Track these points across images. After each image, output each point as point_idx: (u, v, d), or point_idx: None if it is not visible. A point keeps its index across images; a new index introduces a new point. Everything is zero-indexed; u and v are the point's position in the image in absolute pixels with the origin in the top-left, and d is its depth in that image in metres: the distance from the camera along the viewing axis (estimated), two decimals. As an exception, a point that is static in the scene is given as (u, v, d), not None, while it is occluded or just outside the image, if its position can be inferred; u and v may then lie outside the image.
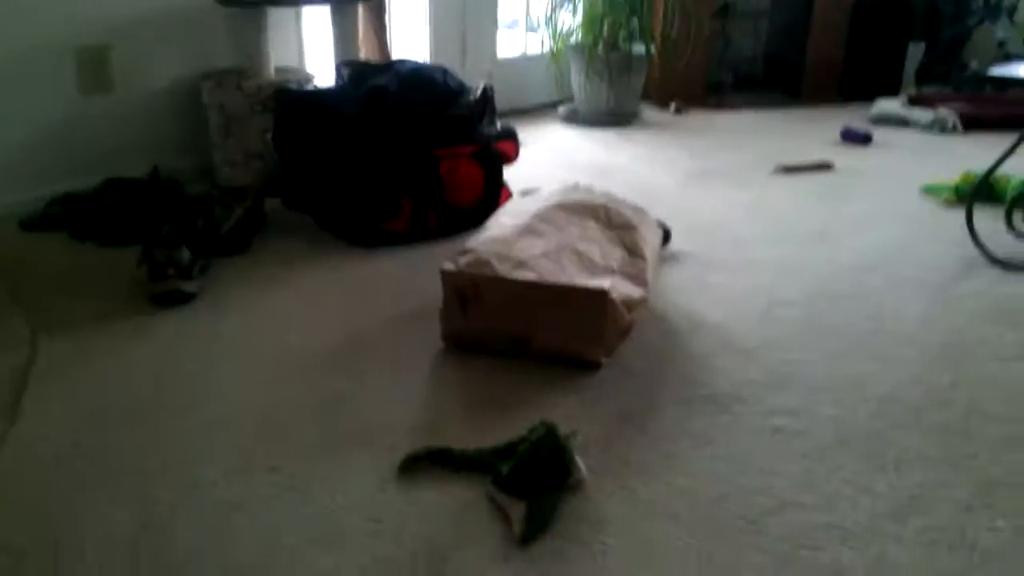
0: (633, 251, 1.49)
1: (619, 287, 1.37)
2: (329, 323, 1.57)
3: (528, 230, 1.45)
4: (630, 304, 1.40)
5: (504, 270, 1.33)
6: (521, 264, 1.35)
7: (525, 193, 1.74)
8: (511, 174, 2.28)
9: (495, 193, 2.12)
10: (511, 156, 2.15)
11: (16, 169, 2.16)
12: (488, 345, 1.41)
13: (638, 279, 1.46)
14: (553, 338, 1.35)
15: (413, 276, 1.80)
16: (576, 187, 1.64)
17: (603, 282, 1.32)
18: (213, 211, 1.96)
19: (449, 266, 1.38)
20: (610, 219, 1.53)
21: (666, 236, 1.85)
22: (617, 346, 1.44)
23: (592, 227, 1.50)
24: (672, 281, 1.78)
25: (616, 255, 1.44)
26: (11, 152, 2.15)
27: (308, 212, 2.12)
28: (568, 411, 1.28)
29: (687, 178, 2.55)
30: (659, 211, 2.24)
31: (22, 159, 2.16)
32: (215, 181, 2.40)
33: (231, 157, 2.36)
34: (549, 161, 2.76)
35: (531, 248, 1.39)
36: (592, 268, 1.38)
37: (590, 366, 1.39)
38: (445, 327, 1.43)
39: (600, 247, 1.45)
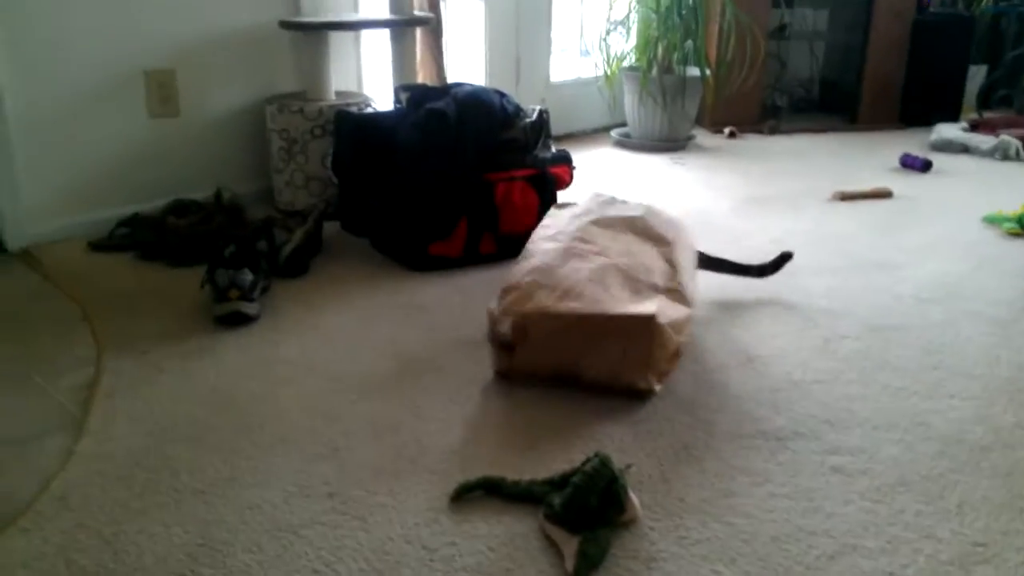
0: (671, 264, 1.46)
1: (666, 310, 1.33)
2: (385, 347, 1.56)
3: (570, 253, 1.42)
4: (677, 326, 1.36)
5: (550, 301, 1.30)
6: (567, 293, 1.32)
7: (559, 207, 1.71)
8: (564, 199, 2.22)
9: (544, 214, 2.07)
10: (565, 181, 2.12)
11: (86, 191, 2.18)
12: (539, 377, 1.40)
13: (681, 297, 1.42)
14: (603, 368, 1.33)
15: (467, 301, 1.78)
16: (612, 200, 1.61)
17: (649, 306, 1.29)
18: (274, 234, 1.97)
19: (494, 307, 1.36)
20: (648, 231, 1.52)
21: (778, 263, 1.79)
22: (669, 371, 1.41)
23: (631, 240, 1.48)
24: (727, 310, 1.75)
25: (658, 268, 1.41)
26: (81, 174, 2.17)
27: (366, 236, 2.12)
28: (622, 443, 1.25)
29: (742, 204, 2.51)
30: (713, 238, 2.20)
31: (92, 181, 2.19)
32: (276, 204, 2.41)
33: (292, 180, 2.37)
34: (603, 186, 2.74)
35: (576, 273, 1.36)
36: (636, 287, 1.35)
37: (642, 395, 1.36)
38: (495, 363, 1.41)
39: (642, 261, 1.42)
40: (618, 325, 1.29)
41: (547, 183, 2.04)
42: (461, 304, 1.76)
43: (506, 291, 1.38)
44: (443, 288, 1.85)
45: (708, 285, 1.87)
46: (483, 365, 1.48)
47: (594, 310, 1.30)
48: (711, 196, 2.58)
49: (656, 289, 1.39)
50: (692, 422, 1.31)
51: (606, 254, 1.45)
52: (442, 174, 1.93)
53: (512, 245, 2.00)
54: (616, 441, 1.26)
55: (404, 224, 1.97)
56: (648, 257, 1.46)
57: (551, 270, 1.37)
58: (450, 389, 1.40)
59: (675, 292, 1.44)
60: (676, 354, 1.41)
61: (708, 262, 1.77)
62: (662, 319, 1.31)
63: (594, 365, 1.34)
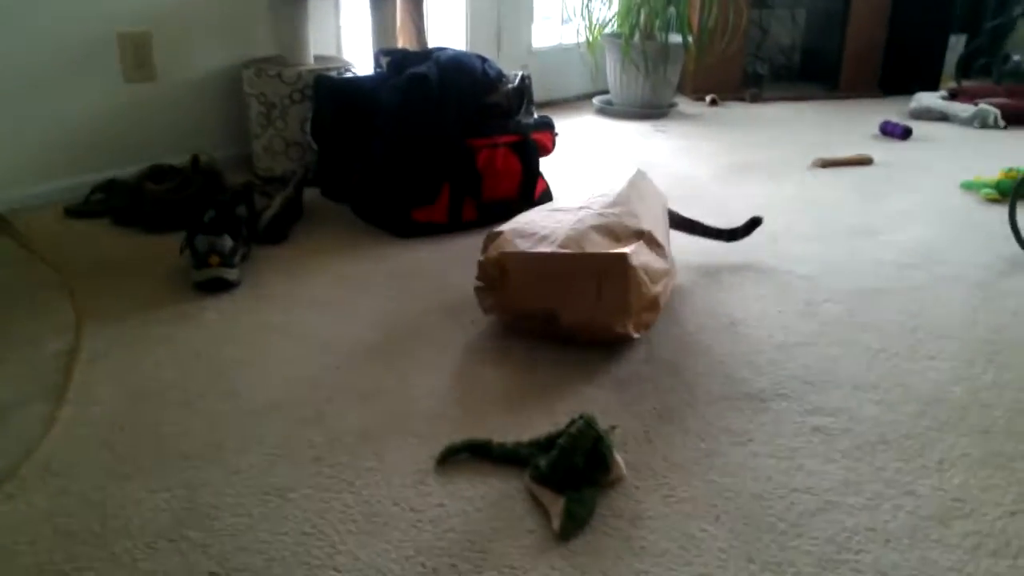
0: (649, 221, 1.48)
1: (641, 255, 1.34)
2: (368, 313, 1.54)
3: (552, 212, 1.46)
4: (653, 274, 1.36)
5: (527, 245, 1.33)
6: (543, 239, 1.34)
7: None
8: (547, 166, 2.25)
9: (531, 184, 2.08)
10: (548, 148, 2.10)
11: (61, 156, 2.15)
12: (523, 323, 1.40)
13: (659, 249, 1.43)
14: (580, 310, 1.32)
15: (450, 266, 1.76)
16: (612, 199, 1.58)
17: (624, 248, 1.31)
18: (254, 200, 1.94)
19: (481, 258, 1.39)
20: (627, 195, 1.52)
21: (749, 227, 1.80)
22: (648, 323, 1.41)
23: (614, 199, 1.48)
24: (709, 275, 1.74)
25: (640, 220, 1.43)
26: (56, 139, 2.14)
27: (347, 202, 2.10)
28: (607, 405, 1.25)
29: (724, 171, 2.50)
30: (696, 205, 2.19)
31: (67, 146, 2.15)
32: (255, 170, 2.37)
33: (271, 146, 2.34)
34: (584, 153, 2.71)
35: (556, 224, 1.38)
36: (616, 235, 1.36)
37: (621, 340, 1.36)
38: (480, 303, 1.43)
39: (624, 215, 1.43)
40: (591, 264, 1.29)
41: (529, 149, 2.02)
42: (445, 270, 1.74)
43: (489, 238, 1.41)
44: (425, 254, 1.83)
45: (690, 250, 1.87)
46: (468, 331, 1.47)
47: (568, 250, 1.31)
48: (693, 163, 2.57)
49: (639, 236, 1.39)
50: (675, 384, 1.32)
51: (589, 207, 1.47)
52: (424, 138, 1.90)
53: (494, 212, 1.99)
54: (600, 403, 1.26)
55: (387, 189, 1.94)
56: (629, 213, 1.47)
57: (532, 223, 1.41)
58: (435, 354, 1.39)
59: (655, 243, 1.43)
60: (654, 304, 1.41)
61: (680, 223, 1.78)
62: (635, 261, 1.31)
63: (572, 307, 1.33)
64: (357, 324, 1.49)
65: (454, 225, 1.96)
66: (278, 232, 1.89)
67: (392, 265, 1.77)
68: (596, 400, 1.26)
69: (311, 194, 2.17)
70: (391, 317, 1.52)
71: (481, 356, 1.38)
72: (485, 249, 1.41)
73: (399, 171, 1.91)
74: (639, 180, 1.64)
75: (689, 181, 2.38)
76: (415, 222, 1.94)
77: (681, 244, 1.78)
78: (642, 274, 1.33)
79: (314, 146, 2.12)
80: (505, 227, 1.42)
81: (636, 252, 1.33)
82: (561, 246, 1.32)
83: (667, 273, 1.46)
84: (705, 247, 1.89)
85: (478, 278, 1.38)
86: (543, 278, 1.32)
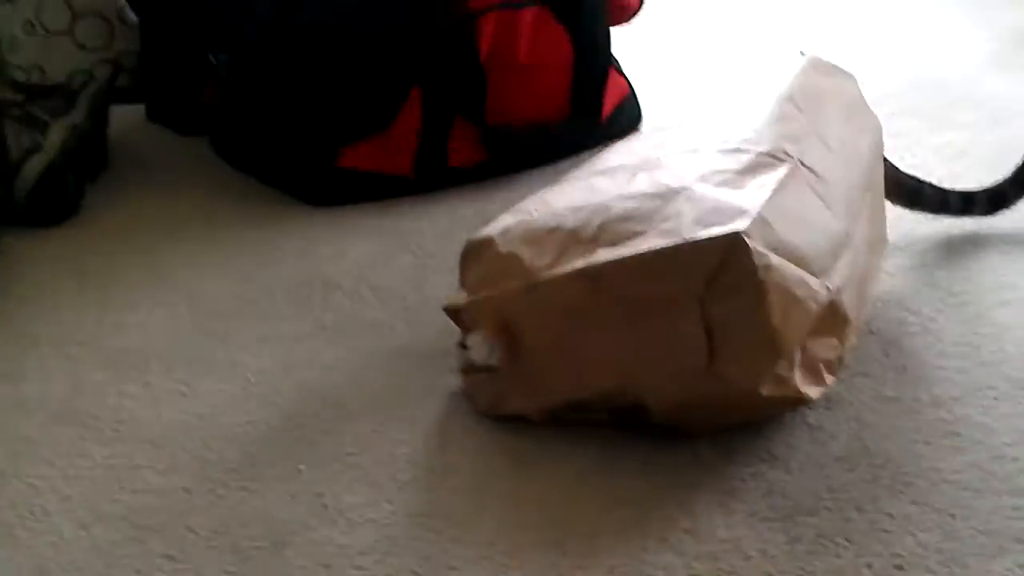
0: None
1: (777, 217, 1.29)
2: (254, 378, 1.45)
3: (598, 172, 1.53)
4: (812, 255, 1.32)
5: (546, 261, 1.34)
6: (578, 237, 1.35)
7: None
8: (630, 48, 2.17)
9: (594, 88, 1.98)
10: (629, 4, 2.06)
11: None
12: (559, 416, 1.38)
13: (834, 201, 1.45)
14: (677, 381, 1.29)
15: (425, 265, 1.68)
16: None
17: (737, 222, 1.28)
18: (4, 137, 1.88)
19: (454, 299, 1.40)
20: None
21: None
22: (834, 357, 1.36)
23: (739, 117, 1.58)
24: (953, 254, 1.70)
25: (779, 143, 1.48)
26: None
27: (200, 132, 2.06)
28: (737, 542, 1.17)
29: (1004, 50, 2.40)
30: (946, 119, 2.11)
31: None
32: (6, 73, 2.36)
33: (38, 21, 2.30)
34: (707, 22, 2.66)
35: (597, 195, 1.44)
36: (723, 172, 1.42)
37: (779, 409, 1.33)
38: (473, 401, 1.41)
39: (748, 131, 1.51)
40: (676, 268, 1.26)
41: (588, 9, 1.95)
42: (412, 272, 1.67)
43: (470, 252, 1.39)
44: (373, 240, 1.76)
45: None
46: (461, 404, 1.42)
47: (632, 252, 1.29)
48: (939, 40, 2.52)
49: (778, 162, 1.41)
50: (924, 517, 1.21)
51: (710, 144, 1.47)
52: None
53: (515, 148, 1.92)
54: (742, 549, 1.18)
55: (284, 106, 1.91)
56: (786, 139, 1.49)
57: (546, 198, 1.44)
58: (387, 459, 1.31)
59: (819, 181, 1.43)
60: (837, 319, 1.35)
61: (899, 185, 1.73)
62: (762, 238, 1.24)
63: (659, 378, 1.30)
64: (228, 402, 1.41)
65: (429, 178, 1.92)
66: (58, 198, 1.89)
67: (300, 264, 1.70)
68: (734, 544, 1.20)
69: (126, 118, 2.12)
70: (303, 384, 1.43)
71: (490, 451, 1.33)
72: (463, 279, 1.38)
73: (311, 65, 1.89)
74: (816, 78, 1.62)
75: (938, 71, 2.31)
76: (345, 172, 1.90)
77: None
78: (788, 268, 1.26)
79: (131, 19, 2.06)
80: (508, 217, 1.42)
81: (765, 215, 1.27)
82: (621, 239, 1.32)
83: (847, 243, 1.39)
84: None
85: (461, 347, 1.40)
86: (593, 325, 1.29)
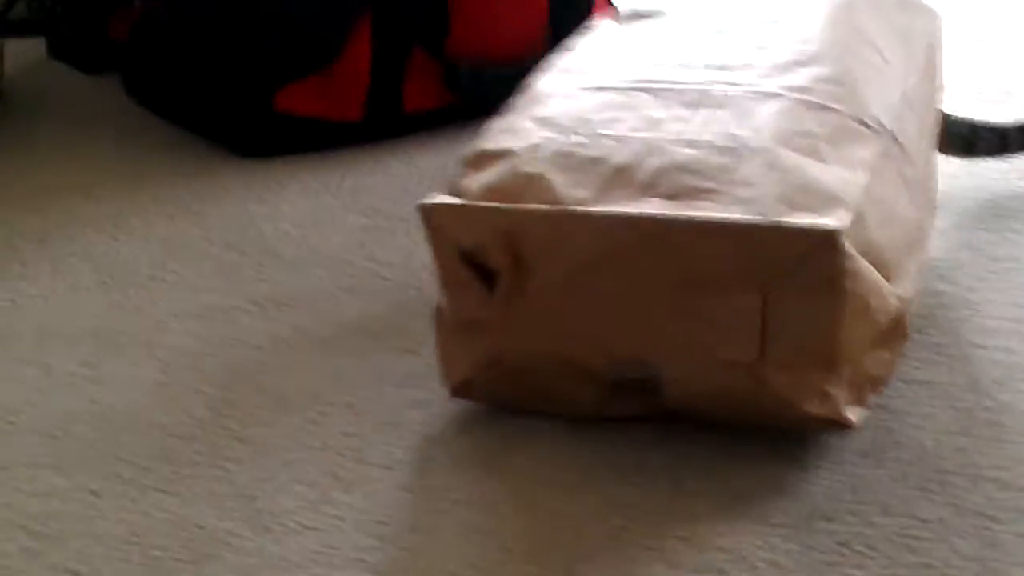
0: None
1: (870, 212, 1.30)
2: (177, 359, 1.47)
3: (638, 93, 1.49)
4: (893, 259, 1.34)
5: (587, 193, 1.32)
6: (623, 173, 1.33)
7: (633, 18, 1.72)
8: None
9: (579, 13, 1.99)
10: None
11: None
12: (557, 398, 1.37)
13: (914, 181, 1.44)
14: (711, 367, 1.29)
15: (375, 232, 1.68)
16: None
17: (833, 214, 1.27)
18: None
19: (443, 198, 1.32)
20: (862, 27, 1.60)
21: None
22: (884, 375, 1.36)
23: (824, 40, 1.57)
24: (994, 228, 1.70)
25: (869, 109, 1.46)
26: None
27: (109, 69, 2.10)
28: (741, 551, 1.17)
29: None
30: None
31: None
32: None
33: None
34: None
35: (653, 128, 1.39)
36: (805, 148, 1.38)
37: (820, 433, 1.32)
38: (449, 367, 1.37)
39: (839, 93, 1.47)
40: (744, 253, 1.26)
41: None
42: (361, 235, 1.68)
43: (471, 162, 1.38)
44: (315, 198, 1.77)
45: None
46: (434, 407, 1.40)
47: (701, 216, 1.27)
48: None
49: (868, 142, 1.41)
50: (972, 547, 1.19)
51: (739, 72, 1.49)
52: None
53: (483, 88, 1.92)
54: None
55: (209, 39, 1.92)
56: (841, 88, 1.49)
57: (587, 119, 1.41)
58: (329, 455, 1.31)
59: (903, 160, 1.44)
60: (897, 332, 1.36)
61: (950, 135, 1.76)
62: (857, 241, 1.27)
63: (690, 360, 1.31)
64: (146, 388, 1.43)
65: (381, 124, 1.93)
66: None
67: (231, 225, 1.70)
68: (737, 554, 1.20)
69: (23, 53, 2.15)
70: (231, 377, 1.43)
71: (454, 446, 1.33)
72: (455, 184, 1.35)
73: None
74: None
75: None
76: (282, 117, 1.91)
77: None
78: (872, 276, 1.28)
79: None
80: (515, 118, 1.40)
81: (861, 209, 1.29)
82: (672, 196, 1.31)
83: (921, 239, 1.42)
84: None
85: (444, 287, 1.36)
86: (626, 284, 1.30)
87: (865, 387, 1.34)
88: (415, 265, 1.60)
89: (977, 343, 1.50)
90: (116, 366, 1.57)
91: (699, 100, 1.46)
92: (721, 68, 1.53)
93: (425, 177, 1.88)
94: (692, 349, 1.32)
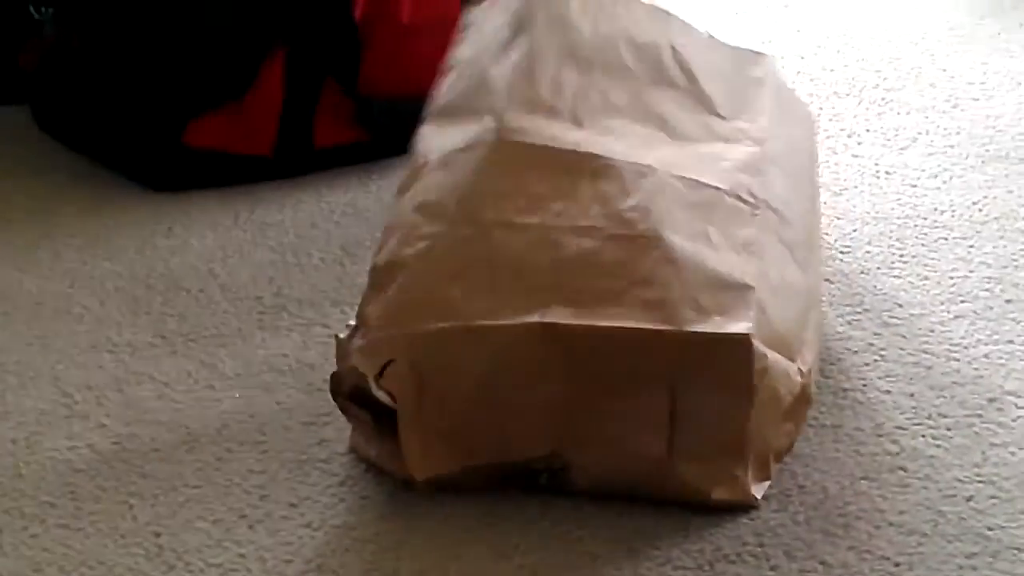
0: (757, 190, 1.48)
1: (771, 303, 1.32)
2: (78, 397, 1.49)
3: (514, 152, 1.43)
4: (794, 337, 1.36)
5: (482, 306, 1.31)
6: (523, 274, 1.33)
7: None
8: None
9: None
10: None
11: None
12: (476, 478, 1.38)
13: (806, 257, 1.44)
14: (621, 458, 1.32)
15: (284, 267, 1.69)
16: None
17: (739, 315, 1.30)
18: None
19: (353, 338, 1.34)
20: (695, 80, 1.56)
21: None
22: (787, 447, 1.38)
23: (672, 111, 1.53)
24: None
25: (738, 178, 1.46)
26: None
27: (20, 101, 2.10)
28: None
29: (963, 22, 2.46)
30: (912, 104, 2.13)
31: None
32: None
33: None
34: None
35: (540, 209, 1.37)
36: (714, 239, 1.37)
37: (726, 509, 1.32)
38: (362, 450, 1.41)
39: (706, 164, 1.46)
40: (660, 351, 1.28)
41: None
42: (270, 270, 1.69)
43: (374, 281, 1.37)
44: (225, 232, 1.80)
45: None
46: (323, 432, 1.41)
47: (608, 324, 1.29)
48: (901, 2, 2.54)
49: (748, 250, 1.39)
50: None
51: (614, 144, 1.44)
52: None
53: (395, 125, 1.91)
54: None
55: (121, 71, 1.93)
56: (713, 147, 1.50)
57: (471, 203, 1.39)
58: (235, 493, 1.34)
59: (790, 229, 1.45)
60: (802, 402, 1.37)
61: None
62: (760, 336, 1.29)
63: (600, 450, 1.32)
64: (48, 436, 1.44)
65: (292, 159, 1.94)
66: None
67: (135, 265, 1.72)
68: None
69: None
70: (136, 413, 1.45)
71: (360, 483, 1.36)
72: (362, 311, 1.35)
73: (146, 19, 1.90)
74: (737, 67, 1.67)
75: (892, 45, 2.32)
76: (192, 150, 1.91)
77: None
78: (779, 365, 1.30)
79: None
80: (401, 206, 1.42)
81: (761, 299, 1.32)
82: (575, 301, 1.33)
83: (814, 299, 1.45)
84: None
85: (342, 400, 1.35)
86: (533, 387, 1.31)
87: (769, 460, 1.36)
88: (322, 301, 1.61)
89: (881, 388, 1.52)
90: (20, 400, 1.56)
91: (576, 167, 1.46)
92: (593, 129, 1.52)
93: (334, 213, 1.90)
94: (602, 442, 1.34)
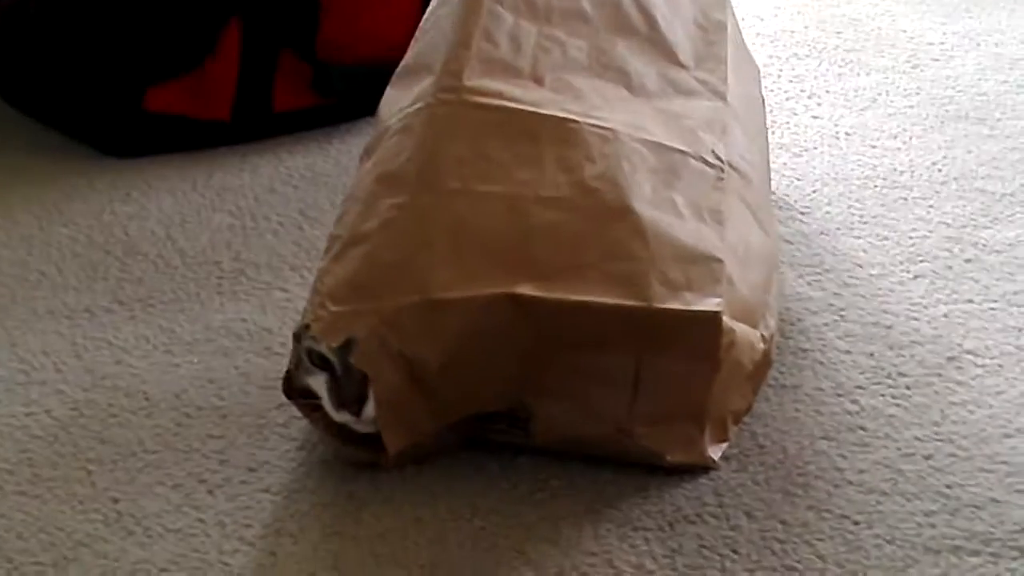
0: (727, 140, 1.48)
1: (735, 273, 1.31)
2: (34, 363, 1.51)
3: (474, 115, 1.40)
4: (756, 303, 1.37)
5: (448, 275, 1.29)
6: (491, 246, 1.31)
7: None
8: None
9: None
10: None
11: None
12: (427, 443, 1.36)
13: (765, 223, 1.45)
14: (579, 415, 1.31)
15: (242, 232, 1.69)
16: None
17: (709, 290, 1.29)
18: None
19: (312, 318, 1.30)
20: (655, 25, 1.56)
21: None
22: (744, 409, 1.39)
23: (632, 63, 1.53)
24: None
25: (702, 137, 1.46)
26: None
27: None
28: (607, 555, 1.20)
29: None
30: (853, 83, 2.13)
31: None
32: None
33: None
34: None
35: (504, 174, 1.35)
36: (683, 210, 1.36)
37: (683, 470, 1.33)
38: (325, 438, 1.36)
39: (669, 123, 1.46)
40: (629, 325, 1.28)
41: None
42: (228, 235, 1.68)
43: (333, 252, 1.35)
44: (183, 197, 1.79)
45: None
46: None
47: (578, 298, 1.28)
48: None
49: (716, 218, 1.37)
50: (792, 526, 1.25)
51: (575, 104, 1.41)
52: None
53: (353, 89, 1.96)
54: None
55: (78, 37, 1.92)
56: (678, 104, 1.50)
57: (434, 171, 1.35)
58: (194, 458, 1.35)
59: (755, 194, 1.45)
60: (762, 366, 1.38)
61: None
62: (728, 309, 1.29)
63: (560, 403, 1.31)
64: (4, 403, 1.45)
65: (250, 124, 1.94)
66: None
67: (93, 230, 1.72)
68: (604, 557, 1.23)
69: None
70: (93, 378, 1.45)
71: (331, 466, 1.34)
72: (319, 284, 1.32)
73: None
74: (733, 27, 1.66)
75: (836, 13, 2.33)
76: (151, 116, 1.92)
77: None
78: (745, 337, 1.31)
79: None
80: (361, 175, 1.40)
81: (729, 271, 1.32)
82: (544, 276, 1.31)
83: (775, 260, 1.45)
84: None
85: (296, 399, 1.33)
86: (500, 352, 1.31)
87: (727, 422, 1.37)
88: (281, 266, 1.61)
89: (841, 348, 1.53)
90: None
91: (539, 132, 1.44)
92: (554, 86, 1.51)
93: (293, 178, 1.90)
94: (566, 396, 1.34)
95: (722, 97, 1.53)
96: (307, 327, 1.28)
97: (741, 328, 1.33)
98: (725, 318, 1.30)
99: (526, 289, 1.31)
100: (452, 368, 1.32)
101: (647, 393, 1.31)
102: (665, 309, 1.30)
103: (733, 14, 1.72)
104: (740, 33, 1.72)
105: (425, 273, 1.32)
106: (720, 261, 1.33)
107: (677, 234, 1.35)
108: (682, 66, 1.56)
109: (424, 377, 1.33)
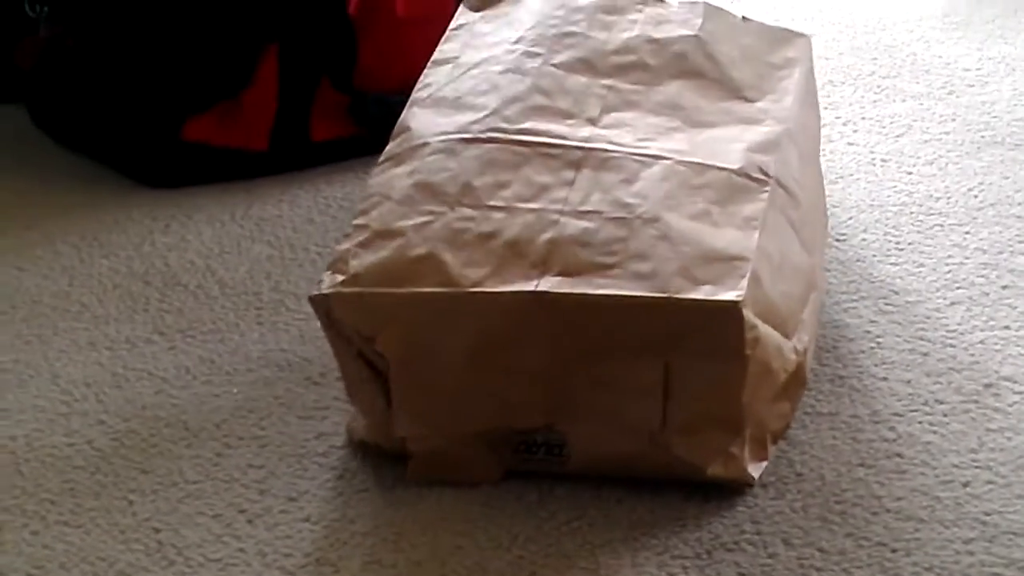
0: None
1: (766, 276, 1.31)
2: (76, 394, 1.49)
3: (510, 145, 1.44)
4: (789, 312, 1.35)
5: (478, 274, 1.32)
6: (489, 240, 1.33)
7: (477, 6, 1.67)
8: None
9: None
10: None
11: None
12: (464, 468, 1.37)
13: (808, 235, 1.45)
14: (614, 435, 1.31)
15: (281, 262, 1.69)
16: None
17: (731, 283, 1.28)
18: None
19: (336, 285, 1.33)
20: (720, 66, 1.55)
21: None
22: (783, 429, 1.37)
23: (692, 99, 1.53)
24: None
25: (752, 157, 1.47)
26: None
27: (17, 99, 2.08)
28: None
29: (958, 7, 2.43)
30: (895, 86, 2.10)
31: None
32: None
33: None
34: None
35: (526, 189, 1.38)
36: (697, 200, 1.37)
37: (722, 488, 1.31)
38: (367, 424, 1.37)
39: (719, 147, 1.47)
40: (652, 321, 1.27)
41: None
42: (267, 265, 1.69)
43: (360, 242, 1.36)
44: (222, 227, 1.79)
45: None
46: (321, 427, 1.42)
47: (601, 292, 1.29)
48: None
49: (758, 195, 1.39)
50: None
51: (624, 137, 1.44)
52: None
53: (390, 119, 1.84)
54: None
55: (118, 69, 1.92)
56: (723, 150, 1.47)
57: (471, 186, 1.39)
58: (234, 488, 1.35)
59: (796, 203, 1.44)
60: (796, 382, 1.36)
61: None
62: (757, 307, 1.27)
63: (593, 426, 1.31)
64: (47, 433, 1.44)
65: (288, 153, 1.93)
66: None
67: (133, 261, 1.73)
68: None
69: None
70: (135, 409, 1.45)
71: (358, 478, 1.35)
72: (341, 263, 1.34)
73: (143, 17, 1.90)
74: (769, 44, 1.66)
75: (883, 29, 2.34)
76: (190, 146, 1.90)
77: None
78: (772, 338, 1.30)
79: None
80: (395, 180, 1.41)
81: (757, 271, 1.30)
82: (569, 272, 1.32)
83: (815, 280, 1.45)
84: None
85: (347, 384, 1.39)
86: (526, 357, 1.31)
87: (766, 440, 1.36)
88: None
89: (878, 375, 1.51)
90: (19, 397, 1.56)
91: (581, 161, 1.46)
92: (605, 123, 1.53)
93: (331, 208, 1.90)
94: (597, 414, 1.33)
95: (783, 122, 1.52)
96: (325, 297, 1.31)
97: (767, 328, 1.33)
98: (747, 311, 1.29)
99: (549, 286, 1.31)
100: (474, 365, 1.32)
101: (678, 398, 1.31)
102: (685, 299, 1.30)
103: (809, 51, 1.74)
104: (814, 77, 1.73)
105: (454, 269, 1.33)
106: (745, 259, 1.33)
107: (706, 238, 1.35)
108: (746, 100, 1.55)
109: (445, 369, 1.33)
